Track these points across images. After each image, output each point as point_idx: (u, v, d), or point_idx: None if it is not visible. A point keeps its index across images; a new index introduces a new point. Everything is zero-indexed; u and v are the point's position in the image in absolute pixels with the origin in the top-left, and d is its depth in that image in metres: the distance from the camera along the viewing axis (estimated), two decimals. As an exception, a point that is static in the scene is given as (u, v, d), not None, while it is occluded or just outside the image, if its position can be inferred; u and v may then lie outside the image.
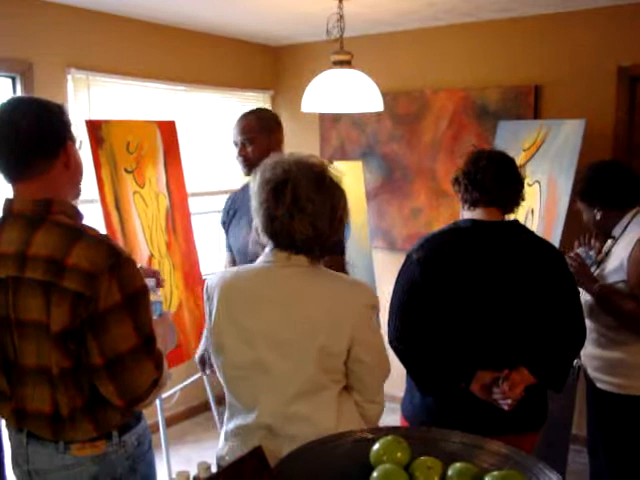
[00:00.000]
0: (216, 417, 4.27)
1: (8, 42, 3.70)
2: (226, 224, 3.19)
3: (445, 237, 2.42)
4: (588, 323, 2.89)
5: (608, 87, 4.12)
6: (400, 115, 4.94)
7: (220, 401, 3.44)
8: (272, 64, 5.53)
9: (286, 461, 1.34)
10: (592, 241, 3.10)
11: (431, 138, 4.83)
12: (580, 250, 3.03)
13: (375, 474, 1.30)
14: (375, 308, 1.90)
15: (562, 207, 3.68)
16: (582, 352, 3.00)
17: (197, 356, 3.18)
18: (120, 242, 3.63)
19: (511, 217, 2.51)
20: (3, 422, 1.97)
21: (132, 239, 3.76)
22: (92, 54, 4.12)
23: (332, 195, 1.85)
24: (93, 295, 1.68)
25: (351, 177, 4.51)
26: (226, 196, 3.36)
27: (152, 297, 2.05)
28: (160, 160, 4.07)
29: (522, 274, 2.34)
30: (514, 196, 2.43)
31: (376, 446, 1.37)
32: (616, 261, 2.81)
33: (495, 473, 1.28)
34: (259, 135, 3.01)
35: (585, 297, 2.89)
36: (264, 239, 1.89)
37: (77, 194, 1.95)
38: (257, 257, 2.75)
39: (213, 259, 4.85)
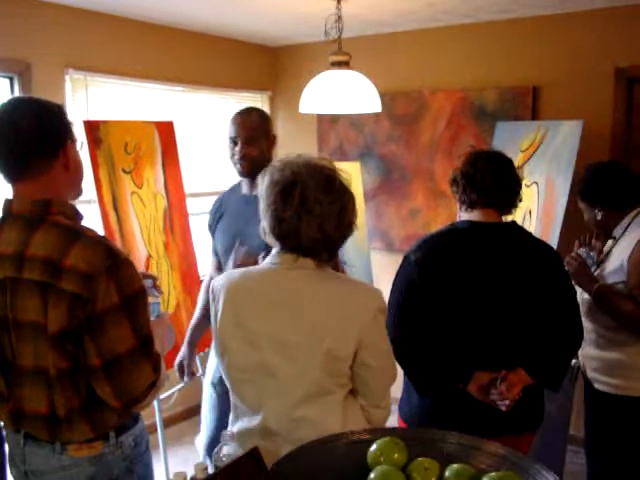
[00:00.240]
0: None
1: (6, 42, 3.69)
2: (212, 227, 3.07)
3: (443, 238, 2.42)
4: (587, 324, 2.90)
5: (606, 88, 4.12)
6: (398, 116, 4.95)
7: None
8: (270, 65, 5.53)
9: (283, 462, 1.34)
10: (593, 241, 3.10)
11: (429, 139, 4.83)
12: (581, 250, 3.04)
13: (372, 475, 1.30)
14: (383, 311, 1.89)
15: (560, 208, 3.68)
16: (580, 352, 3.01)
17: (176, 363, 3.08)
18: (118, 242, 3.63)
19: (509, 218, 2.51)
20: (2, 423, 1.97)
21: (130, 239, 3.76)
22: (90, 54, 4.12)
23: (341, 198, 1.83)
24: (90, 296, 1.68)
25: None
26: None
27: (150, 298, 2.05)
28: (158, 160, 4.07)
29: (519, 275, 2.34)
30: (512, 197, 2.43)
31: (373, 447, 1.37)
32: (616, 262, 2.81)
33: (492, 474, 1.28)
34: (261, 135, 2.87)
35: (584, 297, 2.89)
36: (271, 241, 1.88)
37: (77, 194, 1.94)
38: (244, 263, 2.75)
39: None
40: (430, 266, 2.33)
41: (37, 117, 1.78)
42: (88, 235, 1.76)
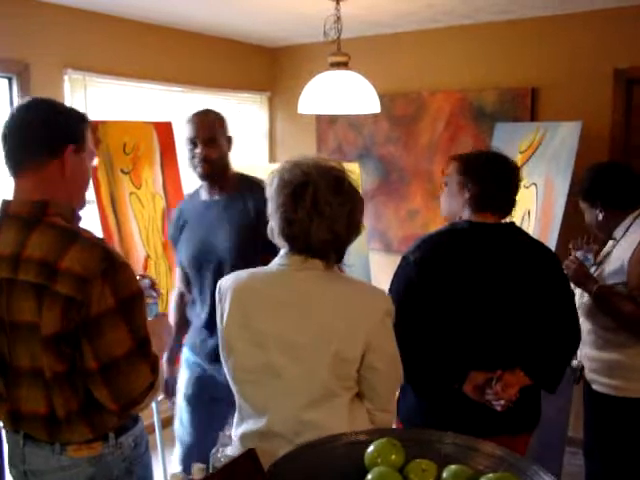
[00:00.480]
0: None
1: (4, 42, 3.69)
2: (175, 238, 2.94)
3: (442, 238, 2.42)
4: (586, 325, 2.90)
5: (605, 89, 4.13)
6: (397, 117, 4.94)
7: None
8: (269, 65, 5.53)
9: (281, 463, 1.34)
10: (591, 244, 3.10)
11: (428, 140, 4.83)
12: (578, 253, 3.03)
13: (369, 477, 1.29)
14: (391, 314, 1.88)
15: (559, 209, 3.69)
16: (579, 353, 3.01)
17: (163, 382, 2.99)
18: (116, 243, 3.62)
19: (507, 219, 2.51)
20: (1, 423, 1.97)
21: (128, 240, 3.76)
22: (89, 55, 4.11)
23: (351, 199, 1.83)
24: (85, 300, 1.67)
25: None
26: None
27: (148, 299, 2.05)
28: (156, 161, 4.07)
29: (518, 276, 2.34)
30: (512, 199, 2.43)
31: (370, 448, 1.36)
32: (617, 263, 2.80)
33: (490, 475, 1.27)
34: (221, 136, 2.80)
35: (583, 298, 2.89)
36: (280, 242, 1.87)
37: (79, 204, 1.93)
38: (211, 270, 2.69)
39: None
40: (429, 266, 2.33)
41: (43, 113, 1.82)
42: (85, 237, 1.75)
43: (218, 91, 5.07)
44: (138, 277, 2.22)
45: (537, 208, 3.93)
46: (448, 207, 2.49)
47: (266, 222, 2.70)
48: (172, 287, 3.99)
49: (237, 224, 2.72)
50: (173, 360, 3.03)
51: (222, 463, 1.60)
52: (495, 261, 2.34)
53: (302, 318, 1.81)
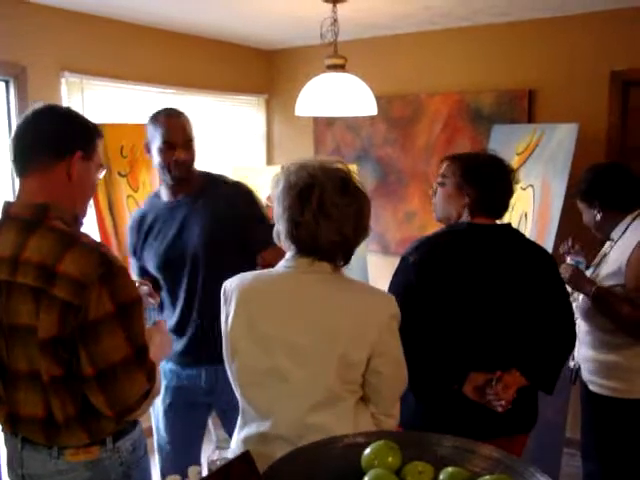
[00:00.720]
0: (210, 422, 4.25)
1: (1, 45, 3.68)
2: (139, 246, 2.82)
3: (440, 240, 2.42)
4: (584, 326, 2.90)
5: (601, 91, 4.13)
6: (394, 119, 4.95)
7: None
8: (266, 68, 5.54)
9: (277, 465, 1.34)
10: (576, 246, 3.10)
11: (425, 142, 4.83)
12: (569, 259, 3.03)
13: (366, 479, 1.29)
14: (397, 318, 1.88)
15: (555, 211, 3.69)
16: (577, 355, 3.01)
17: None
18: (114, 246, 3.62)
19: (504, 221, 2.52)
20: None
21: (126, 244, 3.75)
22: (86, 57, 4.11)
23: (357, 200, 1.84)
24: (82, 305, 1.67)
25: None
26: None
27: (146, 305, 2.04)
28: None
29: (515, 277, 2.35)
30: (508, 201, 2.44)
31: (367, 450, 1.36)
32: (614, 264, 2.80)
33: (487, 477, 1.27)
34: (193, 140, 2.73)
35: (581, 300, 2.89)
36: (287, 245, 1.86)
37: (83, 211, 1.94)
38: (184, 271, 2.66)
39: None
40: (428, 268, 2.33)
41: (57, 117, 1.85)
42: (83, 242, 1.75)
43: (215, 94, 5.07)
44: (137, 284, 2.22)
45: (534, 210, 3.93)
46: (444, 210, 2.48)
47: (237, 218, 2.71)
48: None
49: (208, 223, 2.69)
50: None
51: (218, 467, 1.60)
52: (493, 262, 2.35)
53: (308, 321, 1.81)
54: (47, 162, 1.80)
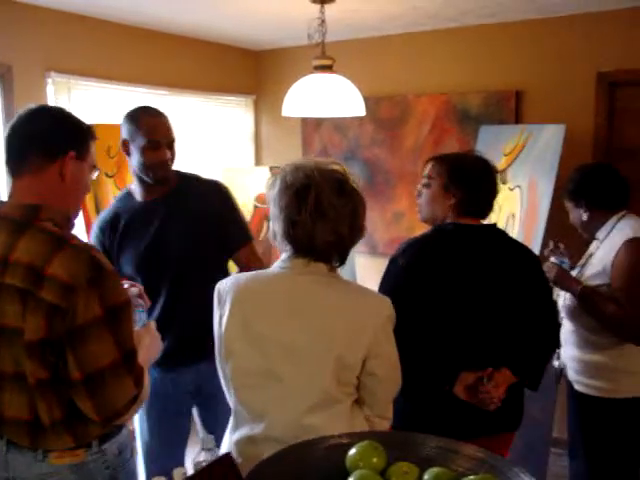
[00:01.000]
0: (198, 423, 4.24)
1: (-14, 44, 3.67)
2: (113, 248, 2.72)
3: (428, 241, 2.42)
4: (569, 325, 2.92)
5: (588, 92, 4.16)
6: (382, 119, 4.95)
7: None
8: (254, 68, 5.53)
9: (263, 466, 1.33)
10: (560, 246, 3.11)
11: (413, 142, 4.84)
12: (553, 259, 3.04)
13: (351, 479, 1.29)
14: (392, 320, 1.88)
15: (543, 211, 3.71)
16: (563, 354, 3.03)
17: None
18: (100, 246, 3.60)
19: (491, 221, 2.53)
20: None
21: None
22: (73, 57, 4.10)
23: (353, 200, 1.83)
24: (70, 308, 1.66)
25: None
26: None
27: (135, 307, 2.03)
28: (141, 164, 4.05)
29: (501, 276, 2.36)
30: (493, 203, 2.45)
31: (352, 451, 1.36)
32: (599, 265, 2.81)
33: (471, 477, 1.27)
34: (175, 140, 2.70)
35: (566, 300, 2.90)
36: (282, 245, 1.86)
37: (75, 212, 1.93)
38: (168, 271, 2.63)
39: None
40: (417, 270, 2.33)
41: (49, 118, 1.85)
42: (74, 244, 1.74)
43: (203, 94, 5.06)
44: (126, 285, 2.21)
45: (521, 210, 3.95)
46: (430, 211, 2.48)
47: (215, 216, 2.70)
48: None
49: (188, 221, 2.68)
50: None
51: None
52: (480, 263, 2.36)
53: (304, 322, 1.81)
54: (40, 162, 1.80)
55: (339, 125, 5.14)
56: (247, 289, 1.88)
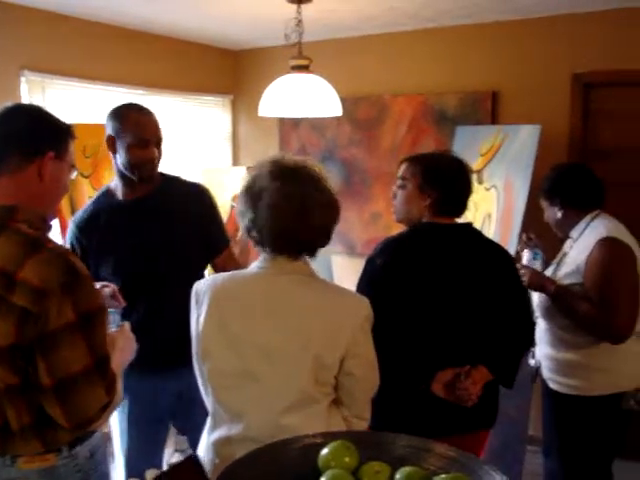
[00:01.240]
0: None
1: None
2: (91, 250, 2.65)
3: (405, 240, 2.44)
4: (544, 324, 2.94)
5: (563, 93, 4.20)
6: (360, 120, 4.96)
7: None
8: (232, 68, 5.52)
9: (235, 466, 1.33)
10: (531, 237, 3.13)
11: (390, 143, 4.85)
12: (526, 253, 3.05)
13: (323, 479, 1.29)
14: (370, 320, 1.89)
15: (518, 211, 3.73)
16: (538, 353, 3.05)
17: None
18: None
19: (468, 219, 2.55)
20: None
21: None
22: (48, 56, 4.05)
23: (292, 183, 1.84)
24: (42, 313, 1.62)
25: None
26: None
27: (109, 308, 2.00)
28: (117, 164, 4.02)
29: (476, 275, 2.39)
30: (467, 202, 2.47)
31: (324, 451, 1.36)
32: (573, 264, 2.84)
33: (443, 476, 1.28)
34: (162, 138, 2.68)
35: (541, 299, 2.92)
36: (257, 247, 1.87)
37: (53, 213, 1.91)
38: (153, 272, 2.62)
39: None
40: (394, 268, 2.34)
41: (27, 117, 1.81)
42: (49, 247, 1.70)
43: (181, 94, 5.03)
44: (99, 285, 2.18)
45: (498, 210, 3.97)
46: (405, 212, 2.50)
47: (199, 217, 2.69)
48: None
49: (172, 221, 2.67)
50: None
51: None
52: (456, 261, 2.38)
53: (281, 322, 1.81)
54: (18, 163, 1.77)
55: (317, 125, 5.14)
56: (224, 289, 1.88)
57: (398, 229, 2.57)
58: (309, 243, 1.88)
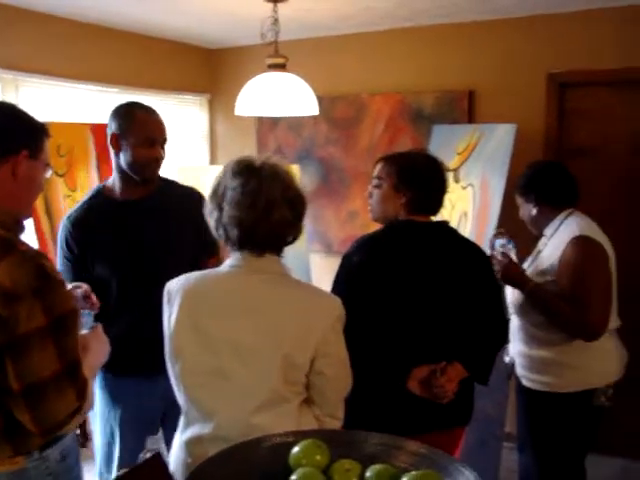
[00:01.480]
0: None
1: None
2: (85, 250, 2.62)
3: (381, 238, 2.45)
4: (517, 322, 2.96)
5: (539, 93, 4.23)
6: (337, 119, 4.96)
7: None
8: (208, 67, 5.49)
9: (206, 466, 1.32)
10: (503, 231, 3.13)
11: (367, 142, 4.86)
12: (498, 242, 3.03)
13: (293, 477, 1.29)
14: (342, 320, 1.89)
15: (494, 210, 3.75)
16: (512, 350, 3.07)
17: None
18: (50, 248, 3.54)
19: (444, 218, 2.56)
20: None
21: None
22: (22, 54, 4.00)
23: (251, 180, 1.83)
24: (11, 317, 1.59)
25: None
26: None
27: (81, 309, 1.98)
28: (92, 163, 3.99)
29: (451, 272, 2.40)
30: (442, 198, 2.48)
31: (295, 449, 1.36)
32: (547, 262, 2.86)
33: (413, 473, 1.28)
34: (167, 139, 2.67)
35: (515, 296, 2.94)
36: (230, 244, 1.88)
37: (27, 213, 1.88)
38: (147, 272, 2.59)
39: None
40: (371, 267, 2.35)
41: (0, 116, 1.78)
42: (21, 250, 1.67)
43: (157, 92, 4.99)
44: (71, 286, 2.15)
45: (474, 209, 3.99)
46: (381, 211, 2.51)
47: (196, 219, 2.67)
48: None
49: (171, 222, 2.67)
50: None
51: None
52: (431, 259, 2.39)
53: (252, 321, 1.81)
54: None
55: (294, 124, 5.14)
56: (196, 288, 1.88)
57: (375, 228, 2.58)
58: (272, 238, 1.86)
